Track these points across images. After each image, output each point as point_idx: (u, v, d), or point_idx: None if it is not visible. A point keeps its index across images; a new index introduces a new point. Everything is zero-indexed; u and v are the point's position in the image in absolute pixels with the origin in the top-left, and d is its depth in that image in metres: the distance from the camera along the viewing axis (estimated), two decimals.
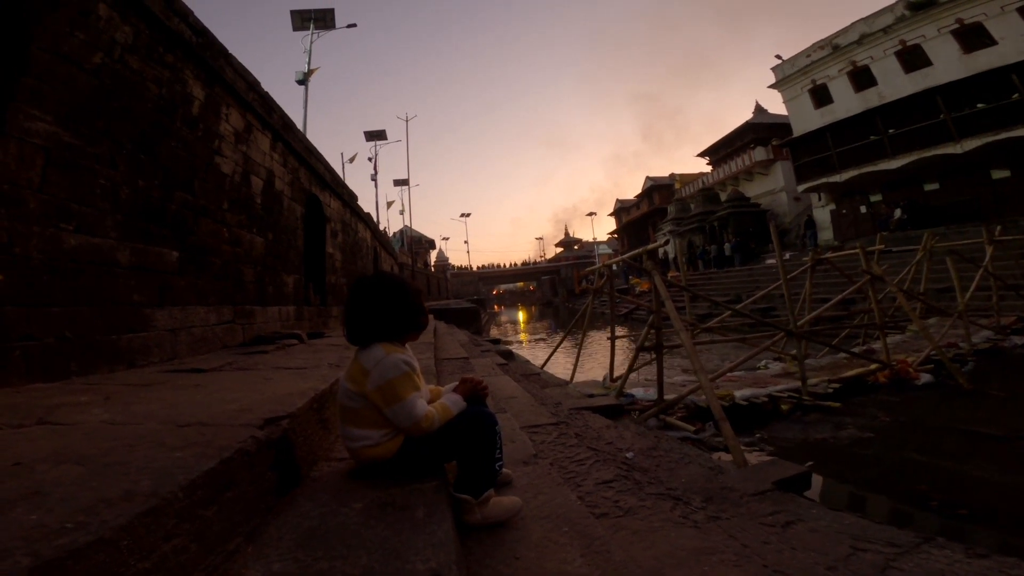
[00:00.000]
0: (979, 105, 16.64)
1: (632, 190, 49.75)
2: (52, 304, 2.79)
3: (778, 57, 25.83)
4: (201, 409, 1.80)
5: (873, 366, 6.74)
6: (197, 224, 4.29)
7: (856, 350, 7.91)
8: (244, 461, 1.31)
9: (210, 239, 4.50)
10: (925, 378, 6.45)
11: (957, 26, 18.21)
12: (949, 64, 18.40)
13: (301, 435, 1.69)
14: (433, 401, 1.58)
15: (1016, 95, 15.64)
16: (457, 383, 1.65)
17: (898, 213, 19.34)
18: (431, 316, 11.95)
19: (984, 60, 17.22)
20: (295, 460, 1.60)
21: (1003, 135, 15.80)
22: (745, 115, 36.13)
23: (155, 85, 3.79)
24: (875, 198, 21.21)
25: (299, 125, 7.55)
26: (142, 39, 3.63)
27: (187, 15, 4.20)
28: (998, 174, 17.09)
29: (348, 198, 10.82)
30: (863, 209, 21.66)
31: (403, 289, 1.60)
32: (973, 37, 17.94)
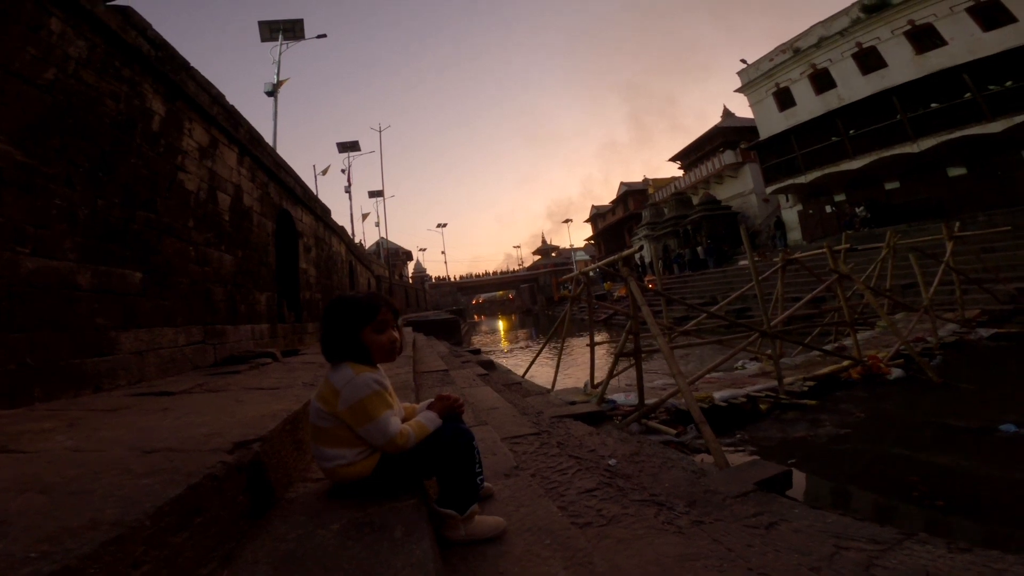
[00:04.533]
0: (933, 105, 17.27)
1: (625, 181, 50.03)
2: (12, 330, 2.68)
3: (743, 61, 26.49)
4: (169, 434, 1.74)
5: (846, 363, 6.88)
6: (161, 243, 4.18)
7: (828, 348, 8.07)
8: (213, 486, 1.27)
9: (176, 259, 4.39)
10: (896, 373, 6.60)
11: (909, 27, 18.90)
12: (903, 65, 19.09)
13: (274, 457, 1.65)
14: (408, 419, 1.57)
15: (968, 94, 16.27)
16: (432, 400, 1.64)
17: (860, 212, 19.90)
18: (410, 329, 11.82)
19: (936, 61, 17.90)
20: (269, 483, 1.56)
21: (957, 134, 16.41)
22: (732, 108, 36.86)
23: (112, 100, 3.69)
24: (839, 198, 21.81)
25: (268, 138, 7.45)
26: (97, 53, 3.54)
27: (145, 28, 4.12)
28: (954, 172, 17.73)
29: (321, 212, 10.70)
30: (828, 209, 22.26)
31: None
32: (925, 38, 18.65)
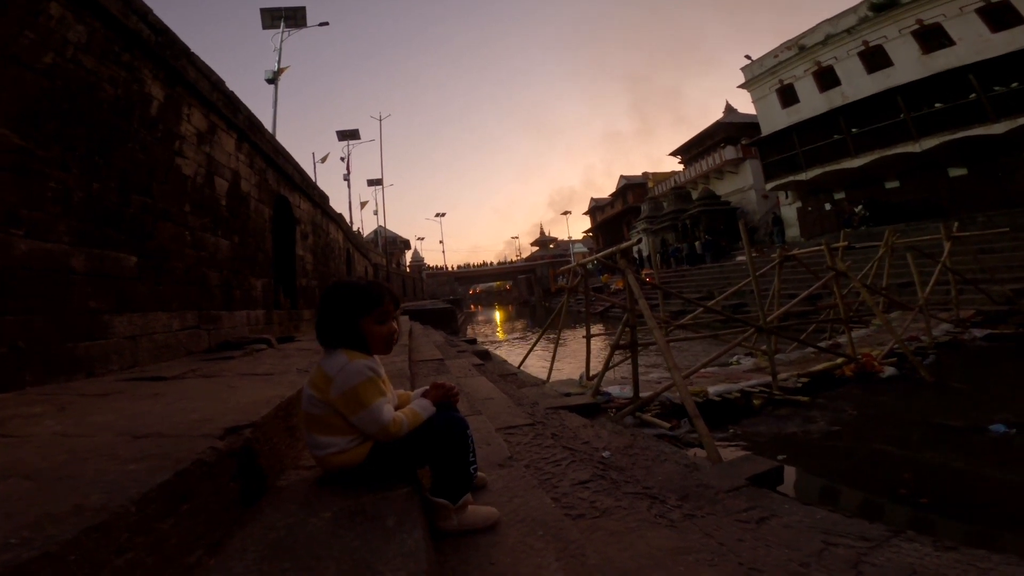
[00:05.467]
0: (937, 105, 17.22)
1: (628, 171, 49.72)
2: (4, 313, 2.66)
3: (747, 57, 26.39)
4: (160, 419, 1.73)
5: (840, 360, 6.90)
6: (157, 228, 4.15)
7: (823, 345, 8.10)
8: (202, 472, 1.26)
9: (171, 243, 4.36)
10: (889, 371, 6.63)
11: (917, 27, 18.83)
12: (909, 64, 19.03)
13: (266, 444, 1.64)
14: (402, 407, 1.54)
15: (973, 95, 16.21)
16: (427, 388, 1.62)
17: (859, 210, 19.91)
18: (406, 317, 11.82)
19: (942, 61, 17.84)
20: (260, 470, 1.55)
21: (960, 134, 16.38)
22: (735, 104, 36.79)
23: (111, 85, 3.65)
24: (839, 196, 21.81)
25: (268, 125, 7.39)
26: (97, 38, 3.50)
27: (146, 13, 4.07)
28: (955, 172, 17.72)
29: (319, 199, 10.65)
30: (827, 206, 22.25)
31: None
32: (932, 38, 18.59)
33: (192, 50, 4.84)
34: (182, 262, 4.52)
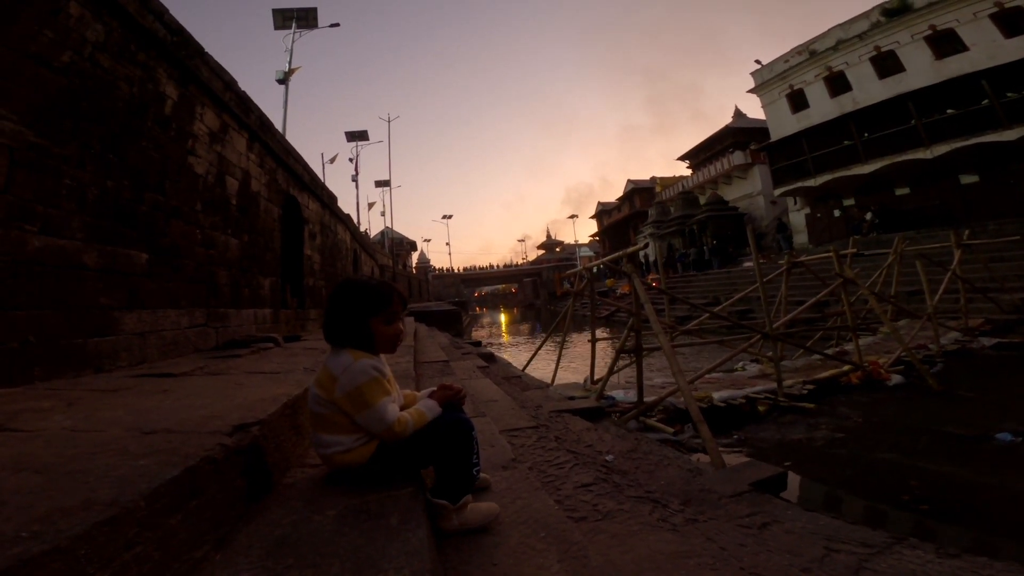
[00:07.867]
0: (949, 111, 17.07)
1: (642, 172, 49.64)
2: (15, 308, 2.70)
3: (757, 62, 26.27)
4: (168, 415, 1.75)
5: (846, 367, 6.85)
6: (168, 226, 4.20)
7: (830, 352, 8.04)
8: (210, 469, 1.28)
9: (182, 241, 4.40)
10: (896, 379, 6.57)
11: (930, 32, 18.69)
12: (921, 70, 18.88)
13: (273, 441, 1.66)
14: (408, 407, 1.56)
15: (985, 101, 16.07)
16: (434, 389, 1.63)
17: (869, 217, 19.77)
18: (411, 319, 11.84)
19: (955, 66, 17.68)
20: (266, 467, 1.57)
21: (972, 141, 16.23)
22: (744, 108, 36.69)
23: (126, 84, 3.70)
24: (848, 202, 21.65)
25: (278, 125, 7.45)
26: (114, 37, 3.55)
27: (162, 13, 4.12)
28: (967, 179, 17.56)
29: (327, 200, 10.71)
30: (837, 213, 22.10)
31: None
32: (945, 43, 18.44)
33: (205, 50, 4.89)
34: (192, 260, 4.56)
